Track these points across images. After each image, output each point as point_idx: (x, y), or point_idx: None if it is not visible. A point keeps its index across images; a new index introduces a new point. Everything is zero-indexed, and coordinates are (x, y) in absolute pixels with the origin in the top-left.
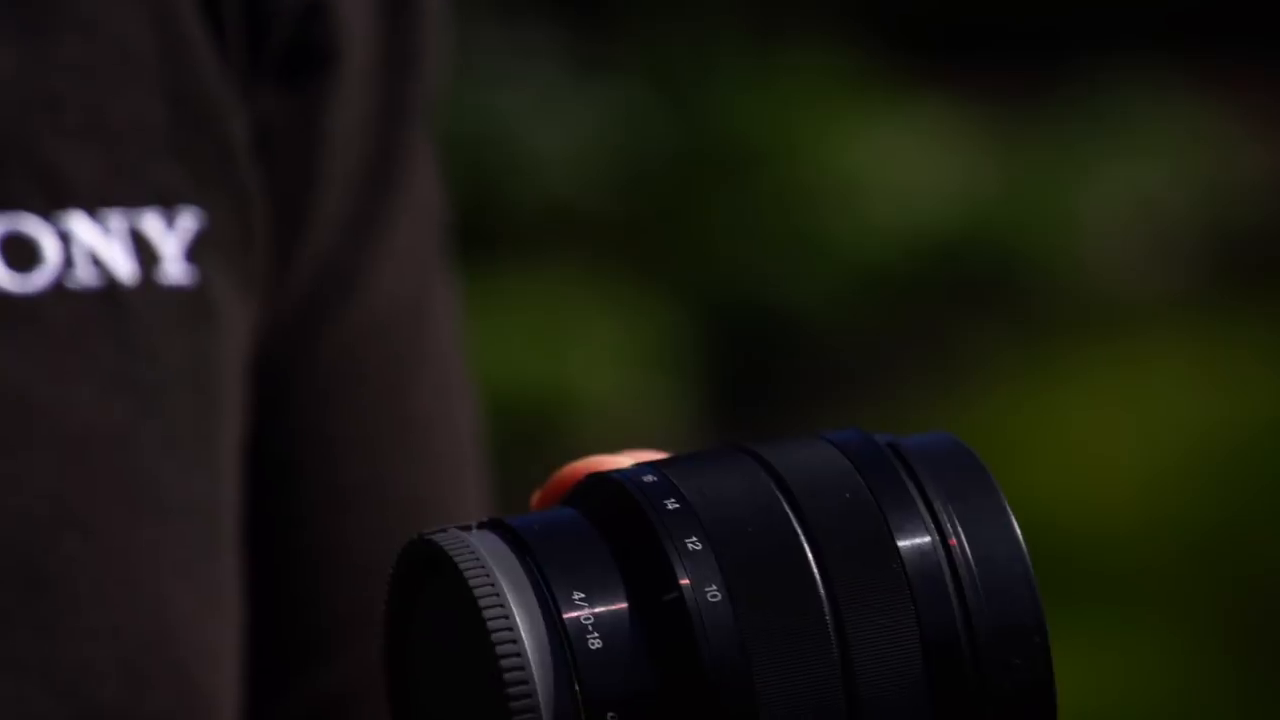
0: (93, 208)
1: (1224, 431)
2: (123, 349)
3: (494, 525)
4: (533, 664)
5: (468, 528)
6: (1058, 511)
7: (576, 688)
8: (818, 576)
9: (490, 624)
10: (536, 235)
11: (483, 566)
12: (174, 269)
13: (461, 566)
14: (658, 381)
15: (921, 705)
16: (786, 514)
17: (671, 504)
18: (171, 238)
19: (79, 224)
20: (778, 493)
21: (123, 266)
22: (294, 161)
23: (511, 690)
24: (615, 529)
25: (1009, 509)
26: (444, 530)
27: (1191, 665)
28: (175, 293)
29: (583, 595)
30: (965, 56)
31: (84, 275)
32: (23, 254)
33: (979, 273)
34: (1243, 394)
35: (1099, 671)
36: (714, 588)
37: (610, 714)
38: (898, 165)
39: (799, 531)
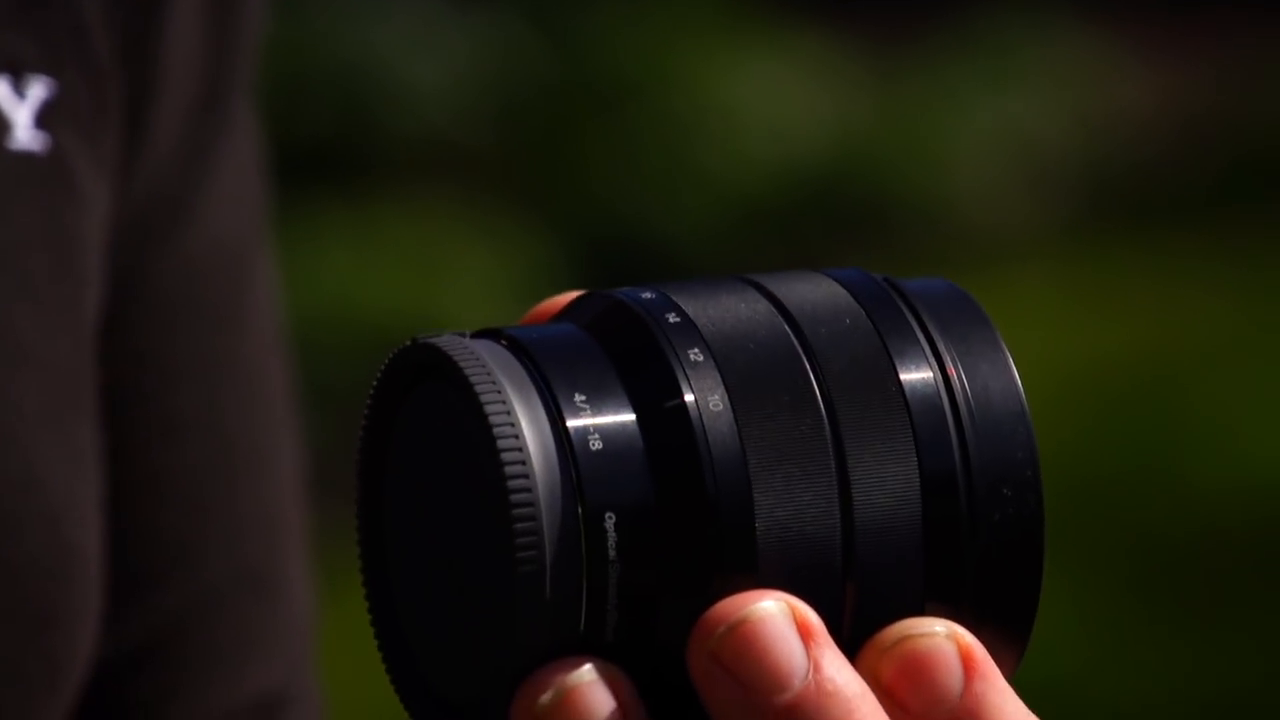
0: None
1: (1097, 365)
2: None
3: (491, 333)
4: (534, 464)
5: (463, 334)
6: None
7: (576, 489)
8: (819, 395)
9: (493, 423)
10: (412, 166)
11: (485, 368)
12: (24, 136)
13: (464, 368)
14: None
15: (914, 529)
16: (788, 334)
17: (673, 318)
18: (22, 106)
19: None
20: (778, 315)
21: None
22: (134, 59)
23: (512, 490)
24: (615, 341)
25: (1004, 345)
26: (439, 334)
27: (1083, 601)
28: (26, 158)
29: (584, 399)
30: None
31: None
32: None
33: (854, 206)
34: (1115, 326)
35: None
36: (716, 397)
37: (609, 514)
38: (774, 99)
39: (800, 352)
